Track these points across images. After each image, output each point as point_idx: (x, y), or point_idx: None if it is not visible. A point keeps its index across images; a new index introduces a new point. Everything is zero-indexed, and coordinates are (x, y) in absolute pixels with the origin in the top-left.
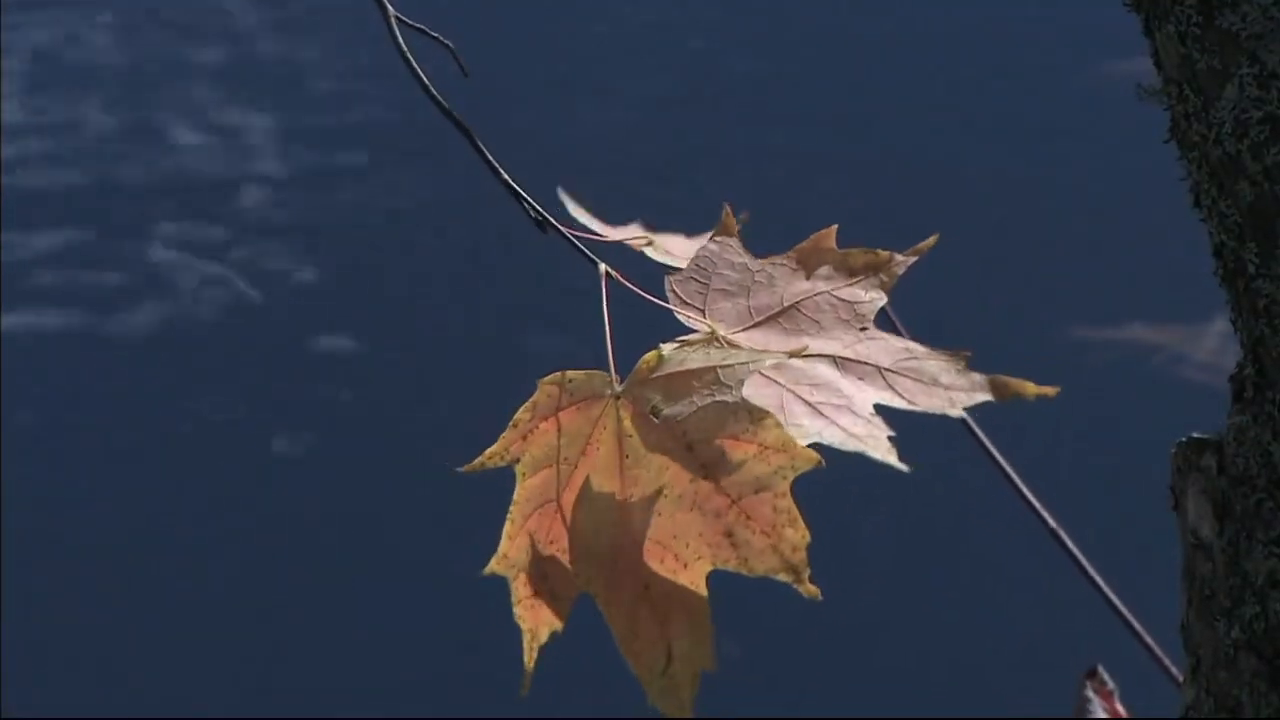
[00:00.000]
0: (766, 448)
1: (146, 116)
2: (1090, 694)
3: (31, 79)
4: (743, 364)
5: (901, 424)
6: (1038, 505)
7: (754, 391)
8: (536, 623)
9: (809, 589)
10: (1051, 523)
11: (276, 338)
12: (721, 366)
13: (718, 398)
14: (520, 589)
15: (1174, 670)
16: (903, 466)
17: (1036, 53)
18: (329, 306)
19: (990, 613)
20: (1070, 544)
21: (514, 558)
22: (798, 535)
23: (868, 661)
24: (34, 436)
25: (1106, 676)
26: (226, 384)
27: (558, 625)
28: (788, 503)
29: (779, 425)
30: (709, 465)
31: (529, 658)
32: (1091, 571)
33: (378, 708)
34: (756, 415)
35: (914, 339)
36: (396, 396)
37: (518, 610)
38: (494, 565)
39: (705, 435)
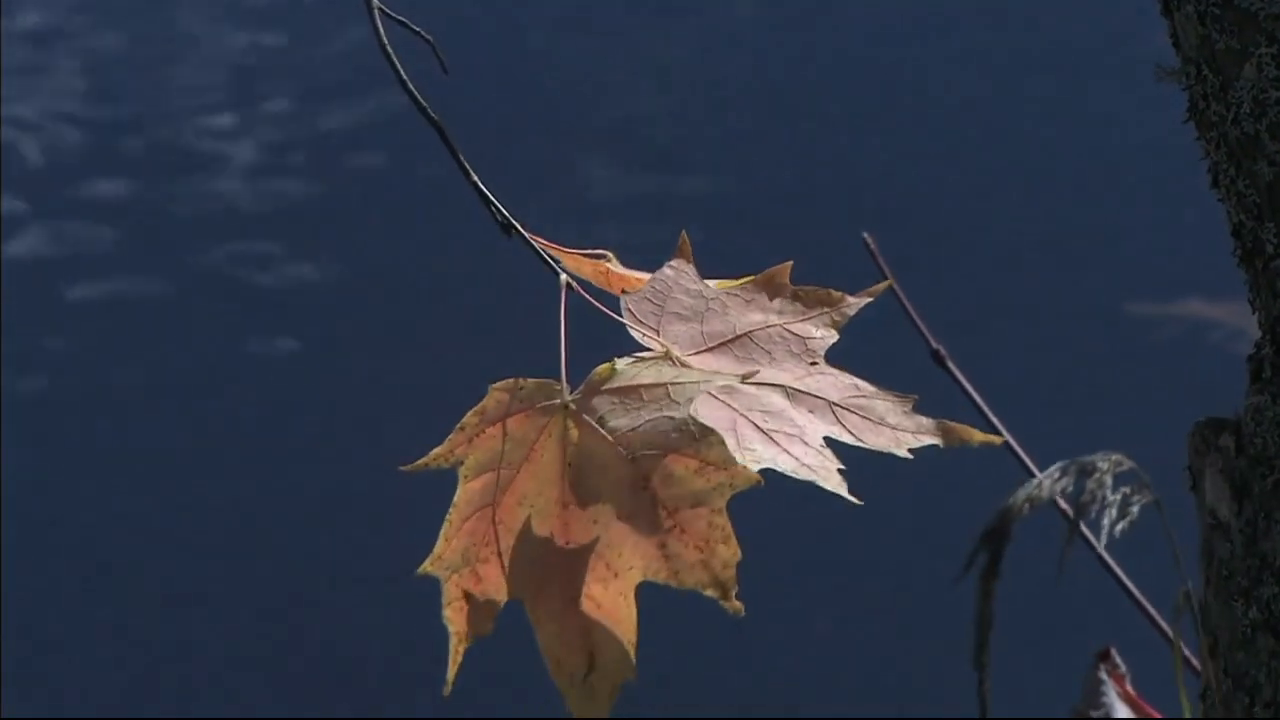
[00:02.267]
0: (708, 464)
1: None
2: (1103, 676)
3: None
4: (694, 382)
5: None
6: (1047, 484)
7: (707, 413)
8: (464, 625)
9: (734, 605)
10: (1064, 505)
11: (221, 336)
12: (672, 384)
13: (665, 413)
14: (452, 591)
15: (1187, 653)
16: (854, 499)
17: (1090, 23)
18: (284, 305)
19: (1002, 594)
20: (1083, 527)
21: (448, 559)
22: (729, 552)
23: (883, 641)
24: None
25: (1119, 659)
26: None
27: (485, 629)
28: (723, 519)
29: (722, 443)
30: (650, 478)
31: (454, 660)
32: (1103, 553)
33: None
34: (701, 432)
35: (873, 383)
36: (352, 397)
37: (447, 612)
38: (428, 565)
39: (649, 448)
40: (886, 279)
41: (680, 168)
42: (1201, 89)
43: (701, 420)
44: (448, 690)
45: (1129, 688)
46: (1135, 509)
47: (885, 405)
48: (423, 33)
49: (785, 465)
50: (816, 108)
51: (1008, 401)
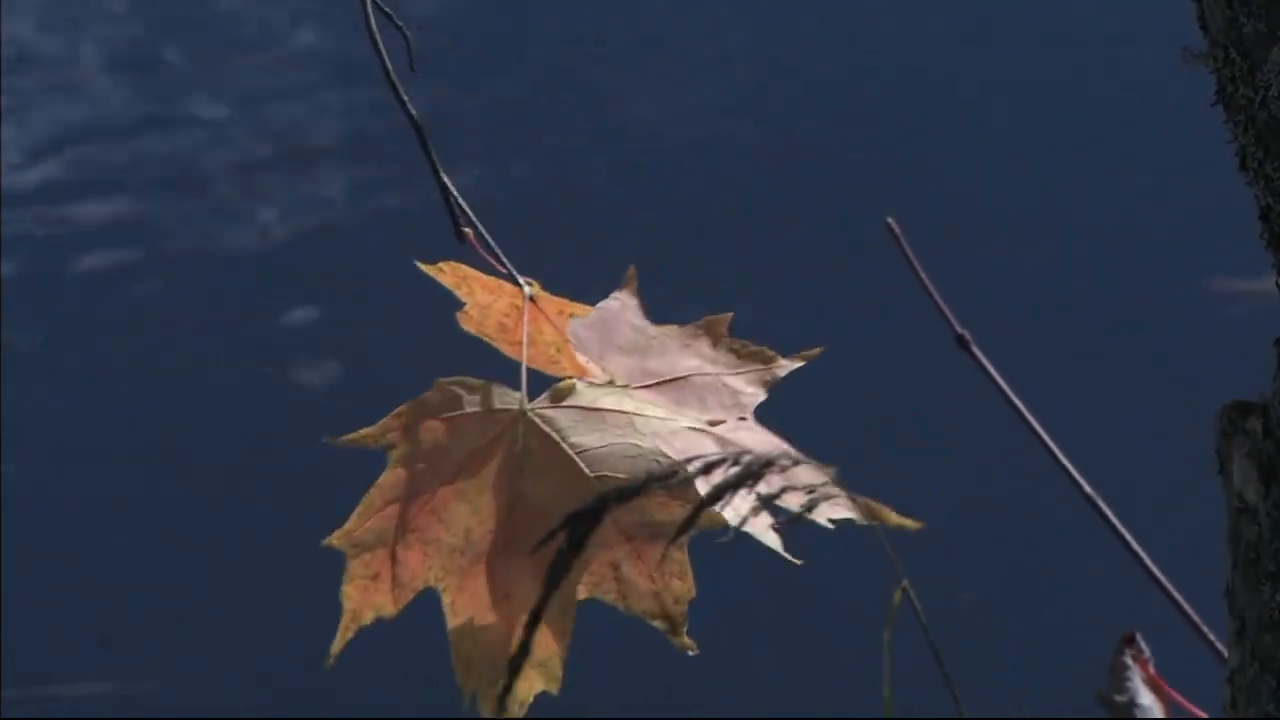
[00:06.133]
0: (675, 499)
1: None
2: (1127, 660)
3: None
4: (659, 418)
5: (938, 386)
6: (1073, 470)
7: (656, 444)
8: (364, 605)
9: (683, 642)
10: (1087, 488)
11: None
12: (637, 414)
13: (631, 440)
14: (358, 568)
15: (1212, 637)
16: (792, 559)
17: None
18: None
19: (1026, 578)
20: (1106, 509)
21: (359, 537)
22: (683, 588)
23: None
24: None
25: (1143, 643)
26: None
27: (389, 611)
28: (682, 555)
29: (690, 480)
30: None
31: (343, 637)
32: (1128, 536)
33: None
34: (671, 466)
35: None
36: (280, 398)
37: (347, 589)
38: (335, 539)
39: (612, 470)
40: (911, 262)
41: (703, 160)
42: (1229, 72)
43: (668, 453)
44: (330, 663)
45: (1153, 671)
46: (811, 505)
47: (807, 473)
48: (403, 27)
49: (725, 515)
50: (855, 81)
51: (1072, 384)
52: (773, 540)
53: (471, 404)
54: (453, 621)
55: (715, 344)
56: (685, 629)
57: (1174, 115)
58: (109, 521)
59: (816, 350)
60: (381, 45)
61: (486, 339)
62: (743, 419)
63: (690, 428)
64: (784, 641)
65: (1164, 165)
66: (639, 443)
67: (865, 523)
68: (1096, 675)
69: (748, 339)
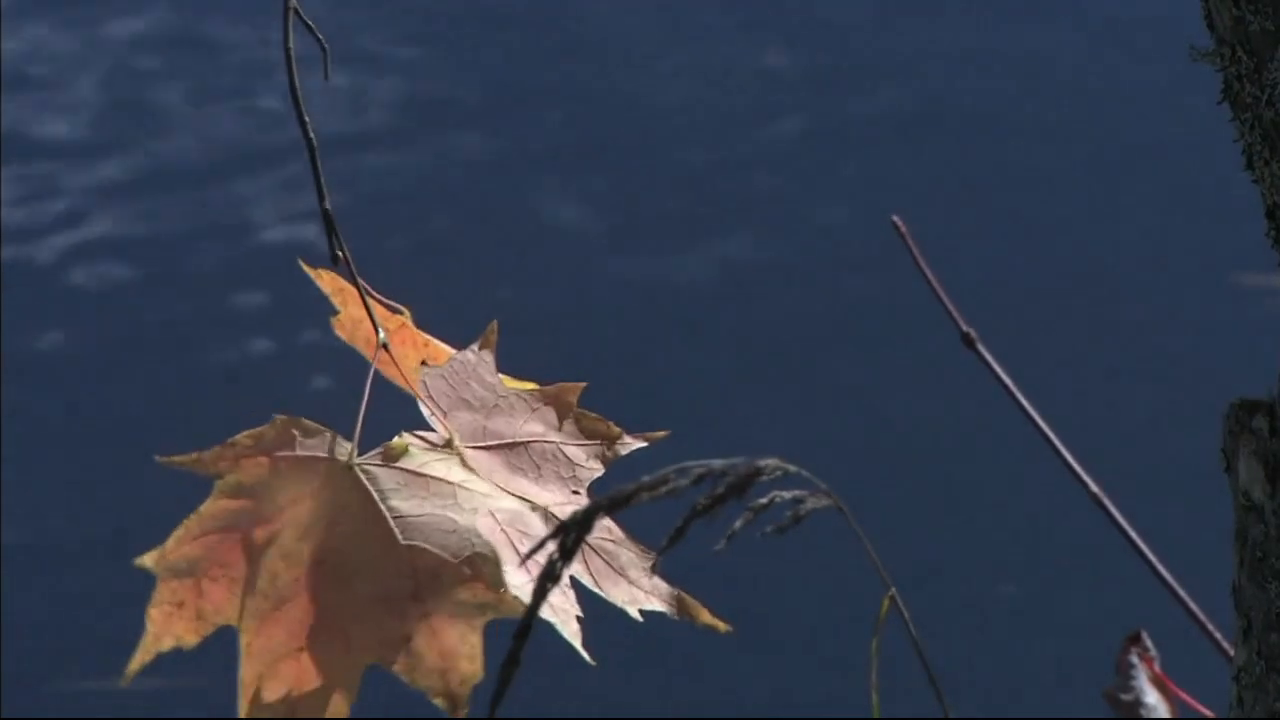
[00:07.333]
0: (478, 581)
1: None
2: (1133, 659)
3: None
4: (483, 494)
5: (944, 384)
6: (1079, 468)
7: (475, 521)
8: (165, 630)
9: (457, 716)
10: (1094, 487)
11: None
12: (461, 487)
13: (449, 514)
14: (165, 592)
15: (1219, 636)
16: (588, 657)
17: None
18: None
19: (1033, 577)
20: (1111, 508)
21: (173, 562)
22: (471, 670)
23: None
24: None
25: (1149, 642)
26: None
27: (188, 642)
28: (476, 638)
29: (499, 565)
30: (419, 571)
31: (140, 659)
32: (1134, 535)
33: None
34: (482, 546)
35: (623, 529)
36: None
37: (152, 610)
38: (148, 560)
39: (425, 541)
40: (917, 260)
41: (703, 159)
42: (1236, 70)
43: (480, 532)
44: (124, 681)
45: (1159, 670)
46: (801, 512)
47: (629, 556)
48: (321, 38)
49: (529, 596)
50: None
51: (1076, 382)
52: (573, 634)
53: (305, 447)
54: (246, 664)
55: (563, 413)
56: (466, 710)
57: (1195, 108)
58: (138, 513)
59: (662, 433)
60: (294, 57)
61: (357, 349)
62: (576, 493)
63: (516, 505)
64: (783, 647)
65: (1184, 158)
66: (457, 517)
67: (674, 616)
68: (1102, 673)
69: (596, 412)
